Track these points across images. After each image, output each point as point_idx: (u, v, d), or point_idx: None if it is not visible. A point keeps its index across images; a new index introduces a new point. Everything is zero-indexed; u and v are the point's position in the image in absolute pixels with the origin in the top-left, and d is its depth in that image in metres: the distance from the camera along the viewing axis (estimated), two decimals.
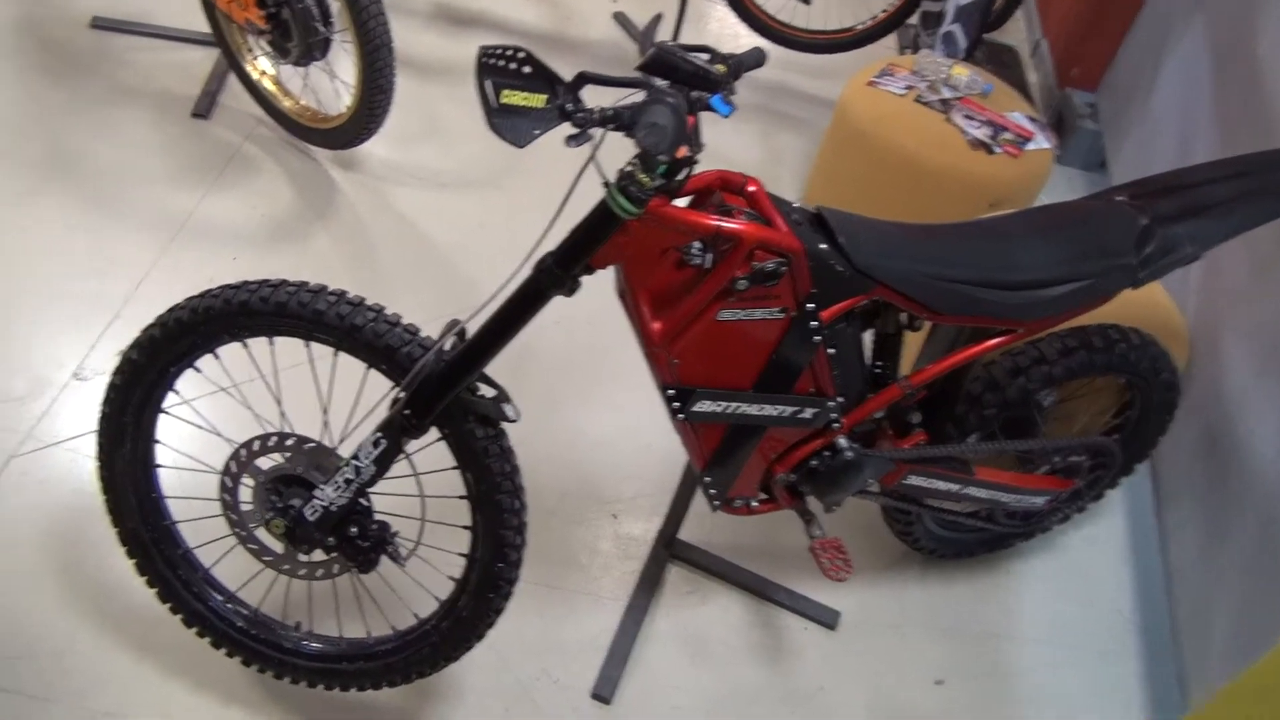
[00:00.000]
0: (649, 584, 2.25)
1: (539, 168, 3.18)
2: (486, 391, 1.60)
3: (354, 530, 1.65)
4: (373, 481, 1.60)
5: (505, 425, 1.62)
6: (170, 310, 1.64)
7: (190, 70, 3.25)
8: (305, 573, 1.75)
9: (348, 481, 1.60)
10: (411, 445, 1.62)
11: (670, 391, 1.64)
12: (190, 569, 1.85)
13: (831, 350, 1.68)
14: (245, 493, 1.72)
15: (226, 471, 1.71)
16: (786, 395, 1.70)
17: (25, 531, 2.09)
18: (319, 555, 1.72)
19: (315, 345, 1.64)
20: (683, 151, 1.37)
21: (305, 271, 2.73)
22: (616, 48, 3.84)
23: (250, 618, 1.87)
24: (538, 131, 1.28)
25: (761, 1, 3.67)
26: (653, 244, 1.49)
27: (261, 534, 1.72)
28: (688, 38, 3.87)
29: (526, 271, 1.48)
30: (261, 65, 3.04)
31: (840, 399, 1.74)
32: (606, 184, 1.39)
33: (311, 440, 1.67)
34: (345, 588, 1.98)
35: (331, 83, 2.95)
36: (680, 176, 1.44)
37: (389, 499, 1.75)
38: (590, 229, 1.42)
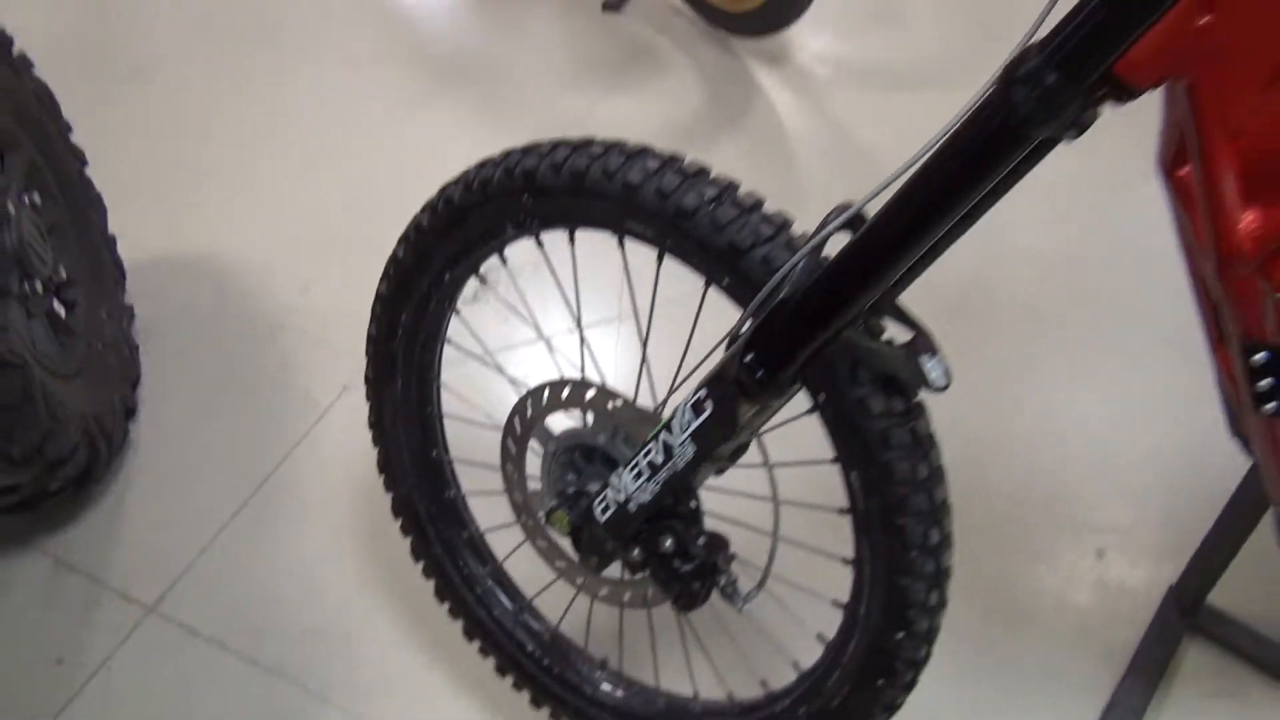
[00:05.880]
0: (1149, 669, 1.42)
1: None
2: (895, 335, 0.91)
3: (669, 544, 1.04)
4: (692, 470, 0.96)
5: (925, 396, 0.91)
6: (441, 189, 1.12)
7: None
8: (607, 594, 1.17)
9: (653, 467, 0.98)
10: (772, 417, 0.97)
11: (1258, 358, 0.84)
12: (475, 560, 1.34)
13: None
14: (537, 464, 1.17)
15: (508, 431, 1.17)
16: None
17: (338, 491, 1.72)
18: (625, 571, 1.12)
19: (635, 246, 1.04)
20: None
21: None
22: None
23: (545, 641, 1.33)
24: None
25: None
26: (1268, 28, 0.70)
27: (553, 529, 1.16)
28: None
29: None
30: None
31: None
32: None
33: (618, 395, 1.07)
34: (669, 620, 1.37)
35: None
36: None
37: (737, 502, 1.12)
38: None
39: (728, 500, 1.11)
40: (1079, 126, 0.74)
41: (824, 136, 2.30)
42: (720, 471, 1.12)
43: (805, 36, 2.50)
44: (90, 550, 1.68)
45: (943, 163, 0.76)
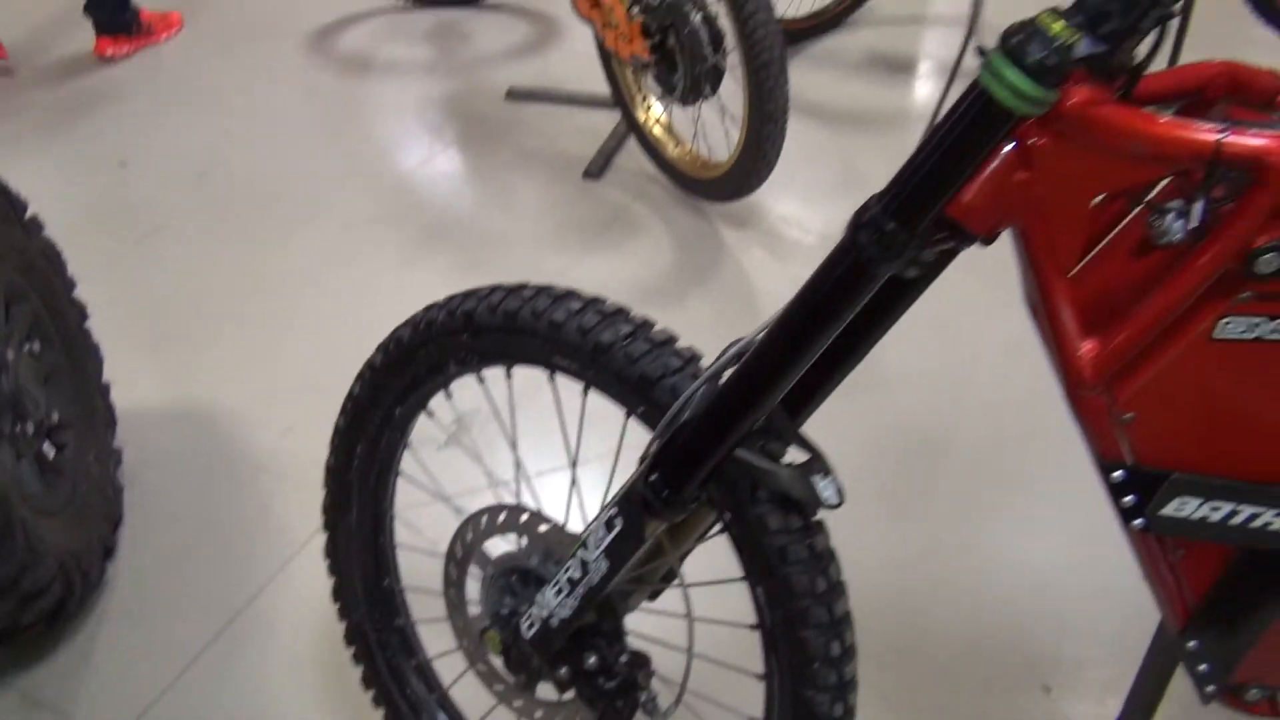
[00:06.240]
0: None
1: None
2: (795, 457, 0.99)
3: (592, 661, 1.09)
4: (605, 584, 1.02)
5: (826, 517, 0.98)
6: (393, 331, 1.23)
7: (591, 133, 3.01)
8: (542, 716, 1.21)
9: (571, 583, 1.04)
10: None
11: (1116, 475, 0.91)
12: (423, 687, 1.38)
13: None
14: (477, 589, 1.23)
15: (450, 556, 1.24)
16: None
17: (303, 626, 1.77)
18: (554, 692, 1.17)
19: (565, 380, 1.13)
20: None
21: None
22: None
23: None
24: None
25: None
26: (1080, 184, 0.80)
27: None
28: None
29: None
30: (653, 110, 2.70)
31: None
32: (982, 51, 0.74)
33: (549, 519, 1.14)
34: None
35: (722, 121, 2.54)
36: (1141, 51, 0.76)
37: (660, 621, 1.17)
38: (952, 140, 0.77)
39: (653, 620, 1.17)
40: (919, 264, 0.83)
41: (788, 292, 2.42)
42: (655, 595, 1.19)
43: (773, 201, 2.66)
44: (59, 687, 1.71)
45: (807, 298, 0.86)
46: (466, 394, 1.25)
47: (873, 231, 0.79)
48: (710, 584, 1.07)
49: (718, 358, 0.97)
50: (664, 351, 1.02)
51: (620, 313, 1.06)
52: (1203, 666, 1.04)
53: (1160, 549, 0.97)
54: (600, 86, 2.86)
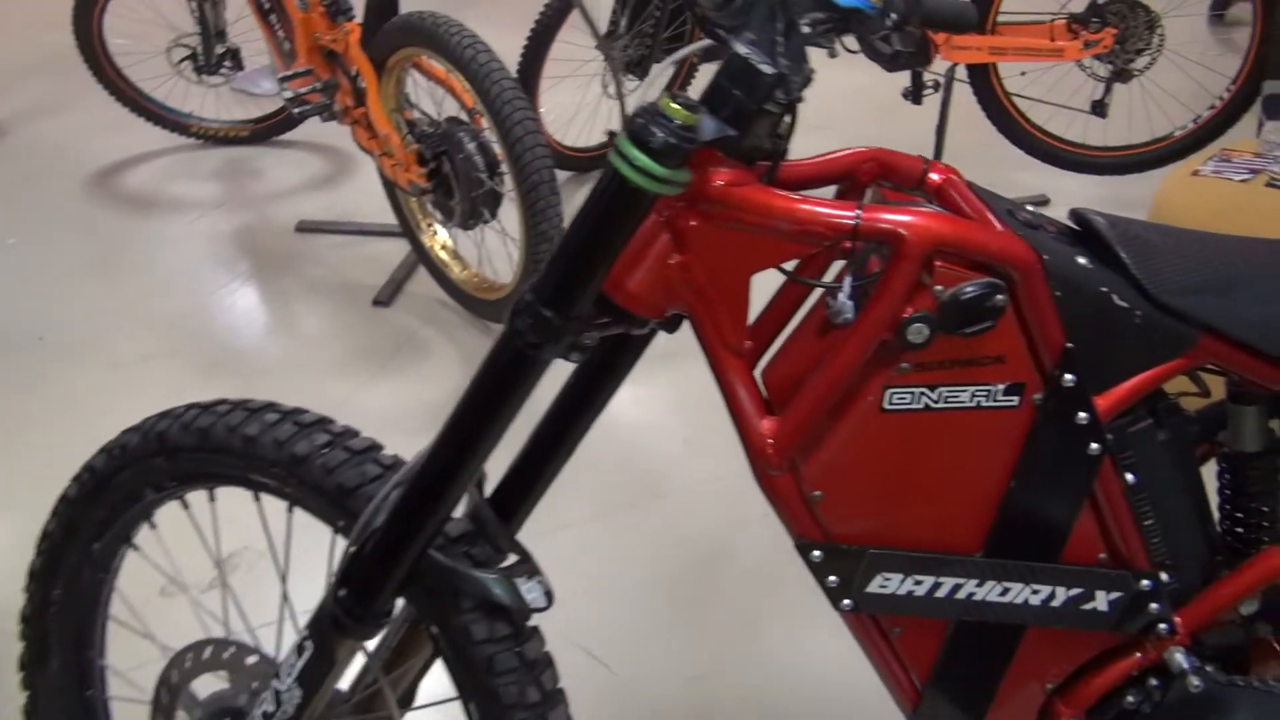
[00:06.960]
0: None
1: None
2: (508, 559, 0.94)
3: None
4: (300, 716, 0.94)
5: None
6: (87, 460, 1.14)
7: (381, 262, 2.98)
8: None
9: (265, 717, 0.95)
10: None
11: (814, 556, 0.90)
12: None
13: (1131, 476, 0.88)
14: None
15: (155, 704, 1.12)
16: (1052, 565, 0.91)
17: None
18: None
19: (270, 500, 1.06)
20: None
21: None
22: None
23: None
24: None
25: (1042, 120, 2.96)
26: (734, 262, 0.81)
27: None
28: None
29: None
30: (438, 235, 2.69)
31: (1165, 575, 0.92)
32: (611, 135, 0.75)
33: (256, 651, 1.05)
34: None
35: (504, 244, 2.54)
36: (779, 130, 0.78)
37: None
38: (594, 223, 0.76)
39: None
40: (583, 350, 0.82)
41: None
42: None
43: None
44: None
45: (475, 390, 0.83)
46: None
47: (529, 318, 0.78)
48: (425, 707, 1.00)
49: (409, 462, 0.93)
50: (363, 459, 0.97)
51: (320, 422, 1.01)
52: None
53: (876, 629, 0.96)
54: (390, 217, 2.84)
